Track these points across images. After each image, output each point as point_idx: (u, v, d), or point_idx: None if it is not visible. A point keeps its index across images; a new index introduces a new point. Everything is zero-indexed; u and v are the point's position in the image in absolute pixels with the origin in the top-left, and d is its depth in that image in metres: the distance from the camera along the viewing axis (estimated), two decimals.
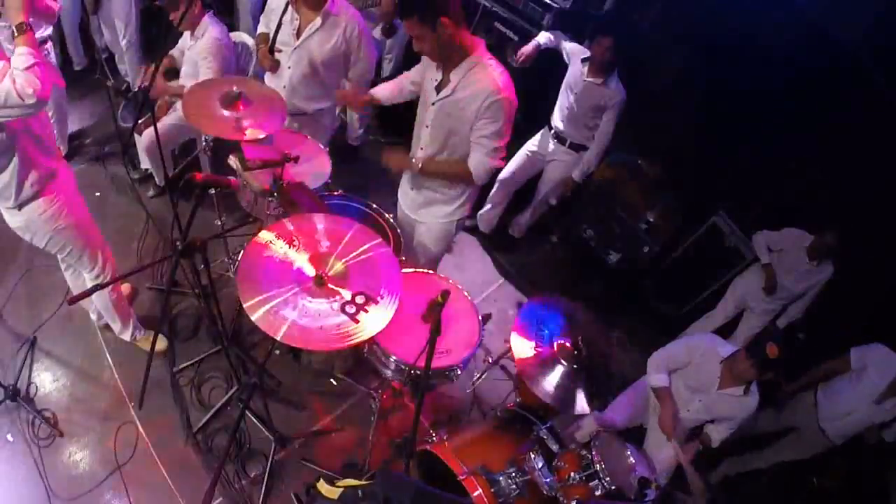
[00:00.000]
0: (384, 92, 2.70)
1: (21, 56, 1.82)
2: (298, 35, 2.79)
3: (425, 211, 2.67)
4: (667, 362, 2.75)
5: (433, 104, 2.33)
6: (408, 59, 4.49)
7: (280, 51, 2.90)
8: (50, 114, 3.25)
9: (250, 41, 3.50)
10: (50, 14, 2.22)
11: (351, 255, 1.88)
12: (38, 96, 1.80)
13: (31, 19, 1.87)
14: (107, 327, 2.93)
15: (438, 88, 2.30)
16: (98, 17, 3.84)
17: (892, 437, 3.00)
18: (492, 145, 2.27)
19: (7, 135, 1.97)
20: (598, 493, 2.15)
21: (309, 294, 1.74)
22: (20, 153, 2.04)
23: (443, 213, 2.64)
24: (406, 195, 2.73)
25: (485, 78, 2.17)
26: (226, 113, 2.38)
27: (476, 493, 2.10)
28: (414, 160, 2.45)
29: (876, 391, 2.88)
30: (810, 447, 3.17)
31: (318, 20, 2.74)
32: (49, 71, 1.87)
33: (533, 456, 2.27)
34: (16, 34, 1.85)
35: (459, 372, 2.28)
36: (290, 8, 2.79)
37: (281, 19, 2.84)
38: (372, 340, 2.16)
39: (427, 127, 2.40)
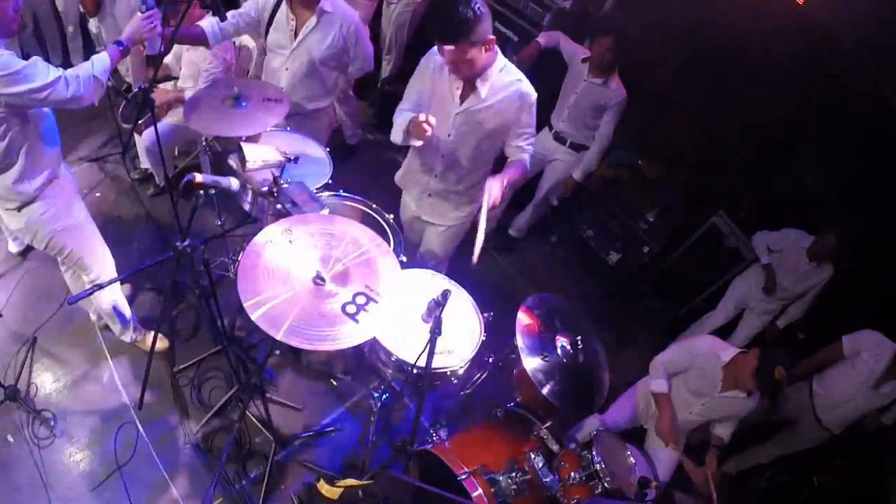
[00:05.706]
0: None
1: (101, 61, 1.98)
2: (296, 36, 2.78)
3: (438, 214, 2.67)
4: (668, 367, 2.74)
5: (458, 113, 2.26)
6: (408, 60, 4.50)
7: (276, 52, 2.88)
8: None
9: (251, 42, 3.49)
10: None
11: (351, 255, 1.88)
12: (76, 97, 1.93)
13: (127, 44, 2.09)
14: (107, 327, 2.93)
15: (462, 97, 2.23)
16: (97, 20, 3.84)
17: (892, 419, 3.00)
18: (531, 133, 2.34)
19: (11, 136, 1.97)
20: (597, 492, 2.15)
21: (309, 294, 1.74)
22: (25, 155, 2.04)
23: (454, 217, 2.66)
24: (419, 199, 2.68)
25: (512, 78, 2.20)
26: (226, 113, 2.38)
27: (476, 493, 2.09)
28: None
29: (872, 376, 2.88)
30: (809, 438, 3.17)
31: (314, 19, 2.72)
32: (98, 91, 2.00)
33: (533, 456, 2.27)
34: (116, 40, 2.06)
35: (460, 372, 2.28)
36: (283, 7, 2.75)
37: (273, 17, 2.81)
38: (372, 340, 2.16)
39: (450, 136, 2.32)
